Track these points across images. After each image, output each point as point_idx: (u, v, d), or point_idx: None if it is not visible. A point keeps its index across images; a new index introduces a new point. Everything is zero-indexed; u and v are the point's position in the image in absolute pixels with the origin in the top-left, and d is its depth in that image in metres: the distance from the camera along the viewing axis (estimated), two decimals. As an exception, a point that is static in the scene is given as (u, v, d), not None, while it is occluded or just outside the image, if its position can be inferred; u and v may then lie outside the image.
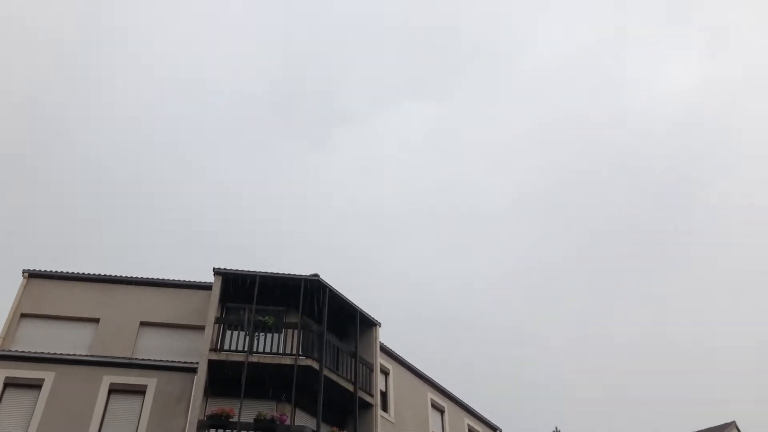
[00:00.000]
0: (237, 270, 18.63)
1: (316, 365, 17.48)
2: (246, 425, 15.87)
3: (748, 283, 65.96)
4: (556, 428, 20.73)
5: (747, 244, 68.98)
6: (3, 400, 16.62)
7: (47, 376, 16.94)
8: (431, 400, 23.57)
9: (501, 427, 26.51)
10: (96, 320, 19.25)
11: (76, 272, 20.05)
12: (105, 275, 20.12)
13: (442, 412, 23.87)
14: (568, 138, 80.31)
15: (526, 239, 76.84)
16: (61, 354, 17.44)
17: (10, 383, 16.77)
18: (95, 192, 69.01)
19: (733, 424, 29.09)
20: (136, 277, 20.22)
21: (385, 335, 21.51)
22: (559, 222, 78.97)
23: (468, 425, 24.89)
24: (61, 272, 19.93)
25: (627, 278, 73.88)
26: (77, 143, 70.39)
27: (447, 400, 24.35)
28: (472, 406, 25.46)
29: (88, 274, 20.07)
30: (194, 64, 76.70)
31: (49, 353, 17.41)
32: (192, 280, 20.17)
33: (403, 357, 22.80)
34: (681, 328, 63.94)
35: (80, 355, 17.71)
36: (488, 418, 26.12)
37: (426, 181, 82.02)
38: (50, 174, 67.39)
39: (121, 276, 20.19)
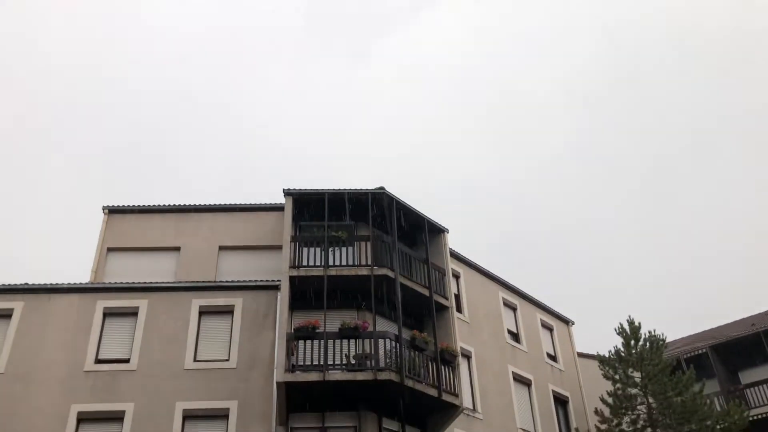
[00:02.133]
0: (306, 189, 19.02)
1: (391, 273, 17.99)
2: (332, 334, 16.62)
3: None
4: (630, 317, 21.01)
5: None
6: (104, 327, 17.76)
7: (141, 303, 17.92)
8: (503, 298, 24.09)
9: (573, 320, 26.99)
10: (177, 248, 20.17)
11: (152, 204, 20.85)
12: (180, 205, 20.89)
13: (514, 309, 24.43)
14: (615, 16, 77.06)
15: (580, 126, 75.36)
16: (152, 282, 18.36)
17: (109, 312, 17.82)
18: (145, 123, 70.29)
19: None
20: (211, 204, 20.94)
21: (454, 242, 21.87)
22: (616, 106, 76.94)
23: (540, 319, 25.44)
24: (139, 206, 20.78)
25: (689, 162, 72.17)
26: (130, 78, 71.33)
27: (518, 297, 24.85)
28: (543, 302, 25.93)
29: (164, 205, 20.85)
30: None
31: (140, 282, 18.35)
32: (263, 202, 20.76)
33: (473, 260, 23.22)
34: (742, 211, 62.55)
35: (169, 282, 18.65)
36: (560, 312, 26.58)
37: (472, 80, 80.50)
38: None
39: (195, 204, 20.93)
